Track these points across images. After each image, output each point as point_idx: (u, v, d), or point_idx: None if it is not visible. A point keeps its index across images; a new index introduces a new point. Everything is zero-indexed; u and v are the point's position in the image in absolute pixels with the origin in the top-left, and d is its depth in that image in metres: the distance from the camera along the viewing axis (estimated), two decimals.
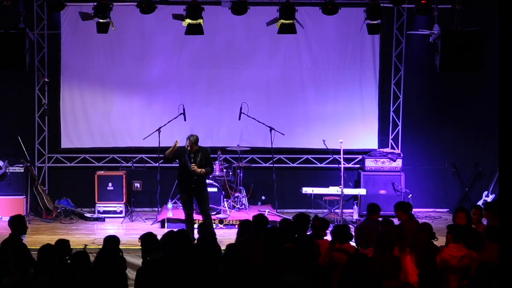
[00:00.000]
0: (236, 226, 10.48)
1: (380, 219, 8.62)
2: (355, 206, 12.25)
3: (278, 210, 12.13)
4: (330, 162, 12.90)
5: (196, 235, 8.90)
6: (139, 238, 7.27)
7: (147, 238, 7.17)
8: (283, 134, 12.24)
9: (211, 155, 10.58)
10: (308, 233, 7.99)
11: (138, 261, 9.27)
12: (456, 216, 8.45)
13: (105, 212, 12.25)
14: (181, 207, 12.01)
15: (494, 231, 7.05)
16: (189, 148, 10.07)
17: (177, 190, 12.32)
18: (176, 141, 10.21)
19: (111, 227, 11.71)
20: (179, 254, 6.71)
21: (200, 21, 10.48)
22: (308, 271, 6.13)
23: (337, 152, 11.97)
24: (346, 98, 13.00)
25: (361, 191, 12.33)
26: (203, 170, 10.08)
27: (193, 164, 10.01)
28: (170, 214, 11.63)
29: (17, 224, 7.84)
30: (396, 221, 8.87)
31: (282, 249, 6.89)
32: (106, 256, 6.50)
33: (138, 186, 12.53)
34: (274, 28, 10.83)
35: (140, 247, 7.28)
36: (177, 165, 12.41)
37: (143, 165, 12.74)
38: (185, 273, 6.44)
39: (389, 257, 6.80)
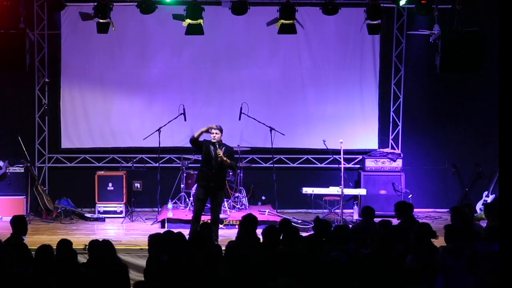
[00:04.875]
0: (236, 226, 10.48)
1: (377, 219, 8.64)
2: (355, 206, 12.25)
3: (278, 210, 12.13)
4: (330, 162, 12.90)
5: None
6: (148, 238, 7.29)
7: (155, 240, 7.18)
8: (283, 134, 12.24)
9: None
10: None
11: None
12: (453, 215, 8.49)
13: (105, 212, 12.24)
14: (182, 208, 12.07)
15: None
16: (215, 135, 9.95)
17: (177, 191, 12.44)
18: (209, 127, 10.06)
19: (111, 227, 11.72)
20: (178, 256, 6.72)
21: (200, 21, 10.48)
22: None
23: (337, 152, 11.96)
24: (346, 98, 13.00)
25: (361, 191, 12.33)
26: (229, 161, 9.95)
27: (219, 150, 9.89)
28: (170, 214, 11.63)
29: (19, 224, 7.85)
30: (395, 221, 8.86)
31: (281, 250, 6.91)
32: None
33: (138, 186, 12.52)
34: (274, 28, 10.83)
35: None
36: (178, 164, 12.52)
37: (143, 165, 12.74)
38: (185, 274, 6.45)
39: (388, 257, 6.80)
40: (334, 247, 7.21)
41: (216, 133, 10.00)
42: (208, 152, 10.01)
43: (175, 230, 7.51)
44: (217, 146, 9.98)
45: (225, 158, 9.90)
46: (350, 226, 10.10)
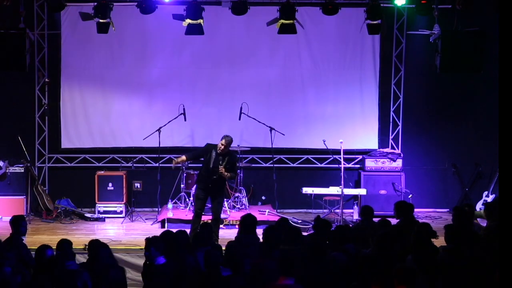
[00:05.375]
0: (236, 226, 10.48)
1: (376, 219, 8.65)
2: (355, 206, 12.24)
3: (278, 210, 12.13)
4: (330, 162, 12.90)
5: None
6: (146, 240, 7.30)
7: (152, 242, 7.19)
8: (283, 134, 12.24)
9: None
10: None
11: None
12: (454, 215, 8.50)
13: (105, 212, 12.23)
14: (182, 208, 12.07)
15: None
16: (222, 147, 9.91)
17: (177, 191, 12.44)
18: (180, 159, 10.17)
19: (111, 227, 11.72)
20: (179, 256, 6.72)
21: (200, 21, 10.49)
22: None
23: (337, 152, 11.96)
24: (346, 98, 12.99)
25: (361, 191, 12.33)
26: (229, 174, 9.98)
27: (221, 167, 9.87)
28: (170, 214, 11.63)
29: (18, 224, 7.85)
30: (394, 221, 8.85)
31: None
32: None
33: (138, 186, 12.52)
34: (274, 28, 10.83)
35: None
36: (178, 165, 12.49)
37: (143, 165, 12.74)
38: (186, 274, 6.45)
39: (388, 257, 6.80)
40: (334, 247, 7.21)
41: (224, 146, 9.93)
42: (209, 159, 10.00)
43: (174, 230, 7.52)
44: (220, 157, 9.94)
45: (225, 174, 9.91)
46: (350, 226, 10.10)
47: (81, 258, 8.10)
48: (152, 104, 12.86)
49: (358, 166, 13.12)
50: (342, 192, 11.73)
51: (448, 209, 13.11)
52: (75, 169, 12.98)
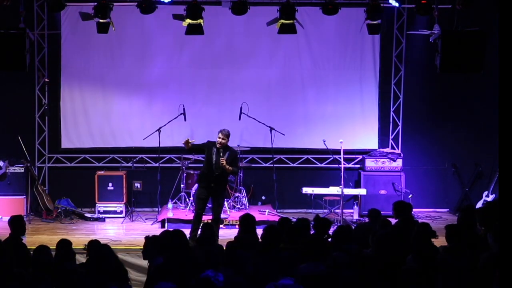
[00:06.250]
0: (236, 226, 10.48)
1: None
2: (355, 206, 12.25)
3: (278, 210, 12.14)
4: (330, 162, 12.90)
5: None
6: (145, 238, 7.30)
7: (150, 242, 7.19)
8: (283, 134, 12.24)
9: None
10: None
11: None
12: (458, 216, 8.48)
13: (105, 212, 12.24)
14: (182, 208, 12.06)
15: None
16: (221, 141, 9.91)
17: (177, 191, 12.44)
18: (192, 141, 10.07)
19: (111, 227, 11.72)
20: (176, 255, 6.71)
21: (200, 21, 10.48)
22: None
23: (337, 152, 11.97)
24: (346, 98, 13.00)
25: (361, 191, 12.33)
26: (231, 168, 9.94)
27: (223, 158, 9.86)
28: (170, 214, 11.63)
29: (17, 224, 7.84)
30: (393, 221, 8.84)
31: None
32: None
33: (138, 186, 12.52)
34: (274, 28, 10.83)
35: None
36: (178, 164, 12.52)
37: (143, 165, 12.74)
38: (185, 274, 6.44)
39: (388, 257, 6.80)
40: (336, 247, 7.20)
41: (222, 139, 9.95)
42: (210, 155, 9.98)
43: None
44: (220, 151, 9.95)
45: (227, 167, 9.87)
46: (353, 226, 10.09)
47: (81, 258, 8.09)
48: (152, 104, 12.87)
49: (358, 166, 13.13)
50: (342, 192, 11.74)
51: (448, 209, 13.12)
52: (75, 169, 12.99)
